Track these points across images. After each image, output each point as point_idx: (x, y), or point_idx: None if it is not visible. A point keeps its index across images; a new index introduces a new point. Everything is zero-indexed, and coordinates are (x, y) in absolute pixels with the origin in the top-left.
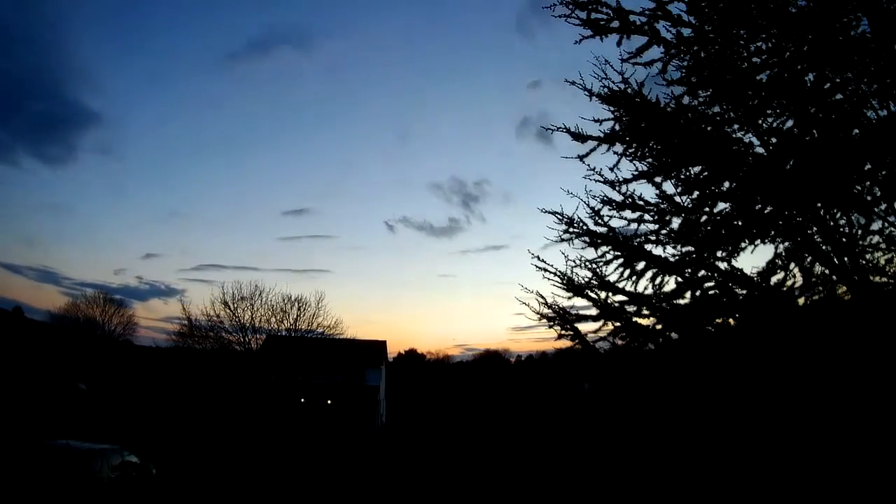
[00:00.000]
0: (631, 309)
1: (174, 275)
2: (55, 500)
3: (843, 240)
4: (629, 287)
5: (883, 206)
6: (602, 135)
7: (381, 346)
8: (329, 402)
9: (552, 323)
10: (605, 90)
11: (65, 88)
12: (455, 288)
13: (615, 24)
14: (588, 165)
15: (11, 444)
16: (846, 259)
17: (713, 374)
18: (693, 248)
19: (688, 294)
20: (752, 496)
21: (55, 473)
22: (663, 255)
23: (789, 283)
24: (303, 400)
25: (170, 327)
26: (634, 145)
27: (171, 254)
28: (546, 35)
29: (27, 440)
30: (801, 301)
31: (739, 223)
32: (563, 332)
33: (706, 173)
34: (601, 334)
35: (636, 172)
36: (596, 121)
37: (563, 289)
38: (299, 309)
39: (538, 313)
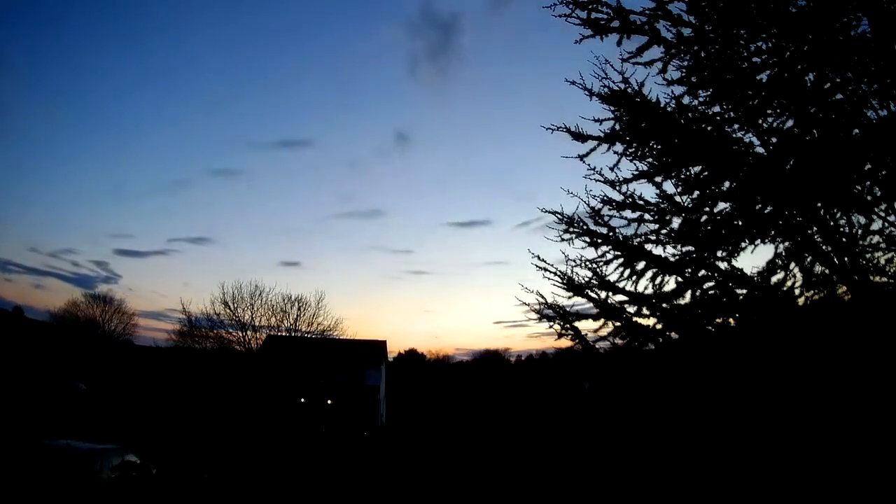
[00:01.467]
0: (631, 309)
1: (104, 255)
2: (55, 501)
3: (843, 240)
4: (629, 287)
5: (883, 206)
6: (602, 134)
7: (381, 346)
8: (329, 402)
9: (552, 322)
10: (606, 90)
11: None
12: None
13: (615, 23)
14: (588, 165)
15: (11, 444)
16: (846, 259)
17: (713, 374)
18: (693, 248)
19: (688, 294)
20: (753, 496)
21: (55, 474)
22: (663, 255)
23: (789, 283)
24: (303, 400)
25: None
26: (635, 145)
27: (82, 230)
28: None
29: (27, 440)
30: (801, 301)
31: (739, 223)
32: (563, 331)
33: (706, 173)
34: (601, 334)
35: (636, 172)
36: (596, 120)
37: (564, 288)
38: (299, 309)
39: (538, 312)
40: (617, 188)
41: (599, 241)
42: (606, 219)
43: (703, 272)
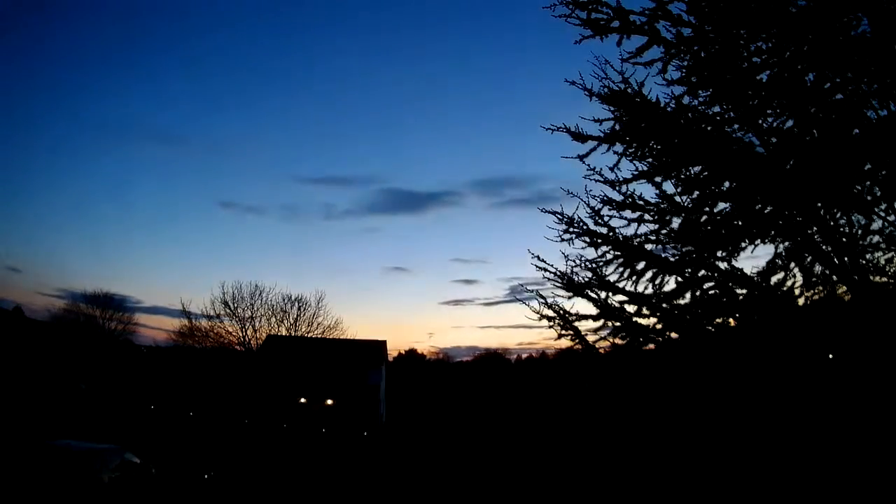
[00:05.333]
0: (631, 309)
1: None
2: (54, 502)
3: (843, 240)
4: (629, 287)
5: (883, 206)
6: (602, 135)
7: (381, 345)
8: (329, 402)
9: (552, 323)
10: (605, 90)
11: None
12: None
13: (615, 23)
14: (588, 165)
15: (11, 444)
16: (846, 259)
17: (713, 373)
18: (693, 248)
19: (688, 294)
20: (753, 496)
21: (55, 474)
22: (663, 255)
23: (789, 283)
24: (303, 400)
25: None
26: (634, 145)
27: None
28: None
29: (26, 440)
30: (801, 301)
31: (739, 223)
32: (562, 332)
33: (706, 173)
34: (601, 334)
35: (636, 172)
36: (596, 120)
37: (563, 288)
38: (299, 309)
39: (538, 313)
40: (617, 188)
41: (599, 241)
42: (606, 219)
43: (703, 272)
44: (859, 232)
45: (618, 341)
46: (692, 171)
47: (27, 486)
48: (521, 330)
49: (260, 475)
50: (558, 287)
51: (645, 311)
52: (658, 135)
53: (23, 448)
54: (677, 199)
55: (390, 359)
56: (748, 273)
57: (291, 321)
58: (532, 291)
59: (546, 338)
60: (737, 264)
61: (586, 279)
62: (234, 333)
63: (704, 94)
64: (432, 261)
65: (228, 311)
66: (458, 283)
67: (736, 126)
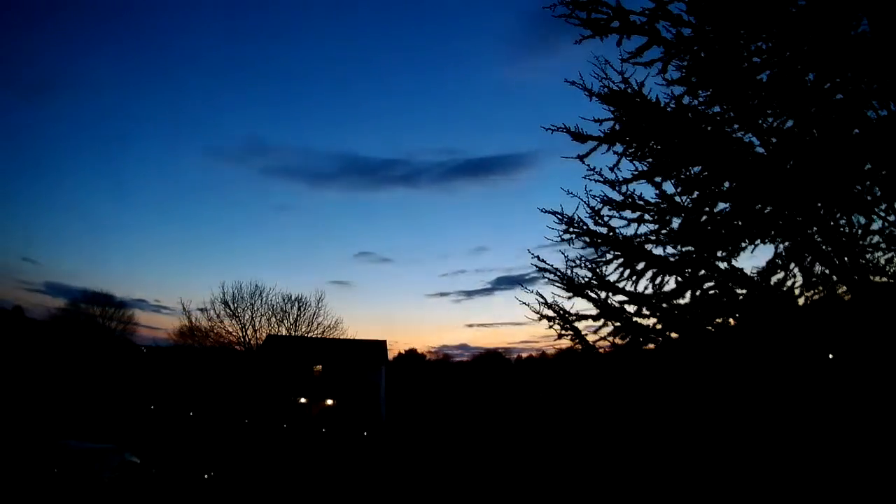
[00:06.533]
0: (631, 309)
1: None
2: (55, 500)
3: (843, 240)
4: (629, 287)
5: (883, 206)
6: (602, 135)
7: (381, 345)
8: (329, 402)
9: (552, 323)
10: (605, 90)
11: None
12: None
13: (615, 24)
14: (588, 165)
15: (11, 444)
16: (846, 259)
17: (713, 373)
18: (693, 248)
19: (688, 294)
20: (753, 496)
21: (56, 473)
22: (663, 255)
23: (789, 283)
24: (303, 400)
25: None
26: (634, 145)
27: None
28: None
29: (27, 440)
30: (801, 301)
31: (739, 223)
32: (562, 332)
33: (706, 173)
34: (601, 334)
35: (636, 172)
36: (596, 120)
37: (563, 289)
38: (299, 309)
39: (537, 313)
40: (617, 188)
41: (599, 241)
42: (606, 219)
43: (703, 272)
44: (859, 232)
45: (618, 341)
46: (692, 171)
47: (27, 485)
48: (519, 328)
49: (260, 475)
50: (558, 287)
51: (645, 311)
52: (658, 135)
53: (22, 448)
54: (677, 199)
55: (390, 358)
56: (748, 273)
57: (291, 321)
58: (529, 290)
59: (544, 336)
60: (737, 264)
61: (586, 279)
62: (234, 333)
63: (704, 94)
64: (413, 248)
65: (228, 311)
66: (445, 277)
67: (736, 126)
